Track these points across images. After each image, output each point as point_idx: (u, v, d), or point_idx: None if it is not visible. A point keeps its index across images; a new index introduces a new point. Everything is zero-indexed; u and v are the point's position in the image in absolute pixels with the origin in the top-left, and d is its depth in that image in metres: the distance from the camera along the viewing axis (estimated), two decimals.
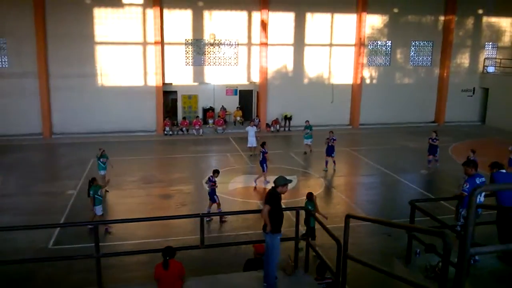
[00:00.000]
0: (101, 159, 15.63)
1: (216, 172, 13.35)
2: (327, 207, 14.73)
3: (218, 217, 13.12)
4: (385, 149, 22.59)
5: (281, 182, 6.71)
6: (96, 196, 12.18)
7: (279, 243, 6.77)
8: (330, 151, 18.37)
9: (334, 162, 18.50)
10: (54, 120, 24.61)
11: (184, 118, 26.53)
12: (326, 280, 7.74)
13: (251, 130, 20.63)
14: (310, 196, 11.23)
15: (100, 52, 24.59)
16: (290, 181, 6.94)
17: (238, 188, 16.49)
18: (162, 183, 16.84)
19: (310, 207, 10.91)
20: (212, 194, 13.18)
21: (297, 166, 19.15)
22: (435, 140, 18.48)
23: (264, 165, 16.59)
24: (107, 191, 15.25)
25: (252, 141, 20.58)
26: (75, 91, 24.49)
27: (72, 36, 23.94)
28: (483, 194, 8.05)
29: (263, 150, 16.70)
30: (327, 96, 27.80)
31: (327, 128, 26.52)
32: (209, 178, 13.33)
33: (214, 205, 13.24)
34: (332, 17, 27.12)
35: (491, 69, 30.19)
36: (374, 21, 27.76)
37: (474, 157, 15.65)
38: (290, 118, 27.00)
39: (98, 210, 12.27)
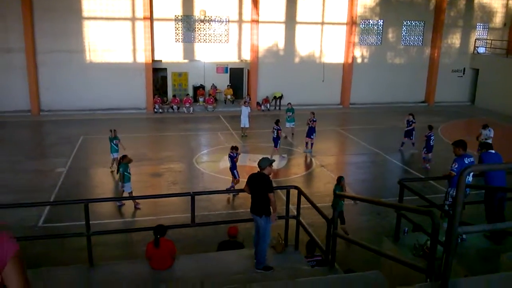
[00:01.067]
0: (114, 141, 15.14)
1: (234, 148, 13.58)
2: (317, 186, 14.84)
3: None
4: (375, 129, 22.70)
5: (266, 163, 6.92)
6: (125, 173, 12.29)
7: (271, 224, 6.92)
8: (310, 132, 18.00)
9: (312, 144, 18.10)
10: (42, 97, 24.28)
11: (174, 96, 26.31)
12: (316, 258, 7.86)
13: (244, 110, 20.11)
14: (339, 179, 11.11)
15: (88, 28, 24.16)
16: (273, 160, 7.05)
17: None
18: (152, 161, 16.80)
19: (337, 191, 10.89)
20: (233, 169, 13.44)
21: (288, 145, 19.18)
22: (411, 123, 18.21)
23: (278, 141, 16.90)
24: (113, 171, 15.07)
25: (245, 122, 20.16)
26: (63, 67, 24.13)
27: (59, 11, 23.44)
28: (471, 174, 8.17)
29: (278, 127, 16.86)
30: (318, 75, 27.71)
31: (317, 107, 26.59)
32: (229, 154, 13.56)
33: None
34: None
35: (481, 50, 30.26)
36: (366, 0, 27.53)
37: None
38: (280, 98, 26.89)
39: (127, 187, 12.38)
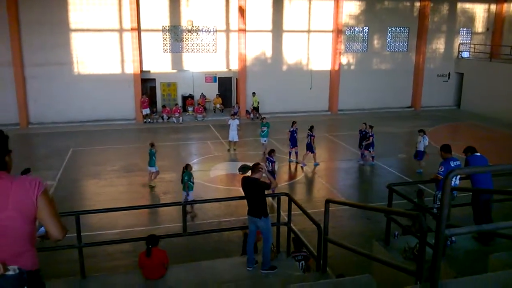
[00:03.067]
0: (155, 155, 15.00)
1: (273, 151, 14.25)
2: (308, 192, 14.94)
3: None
4: None
5: (245, 170, 7.28)
6: (189, 182, 12.53)
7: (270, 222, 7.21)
8: (293, 142, 17.40)
9: (296, 153, 17.55)
10: (31, 109, 24.17)
11: (164, 106, 26.30)
12: (302, 253, 7.95)
13: (233, 124, 18.65)
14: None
15: (76, 40, 24.14)
16: (250, 166, 7.32)
17: (220, 175, 16.57)
18: (143, 172, 16.74)
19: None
20: (273, 173, 13.88)
21: (278, 153, 19.24)
22: (363, 132, 17.77)
23: (312, 147, 17.04)
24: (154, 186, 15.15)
25: (233, 135, 18.77)
26: (52, 79, 24.06)
27: (46, 23, 23.41)
28: (458, 177, 8.32)
29: (311, 133, 16.99)
30: (306, 83, 27.92)
31: (306, 114, 26.77)
32: (268, 158, 14.08)
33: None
34: (310, 3, 27.13)
35: (465, 54, 30.73)
36: (351, 8, 27.88)
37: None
38: (257, 108, 26.54)
39: (191, 196, 12.63)
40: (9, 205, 2.71)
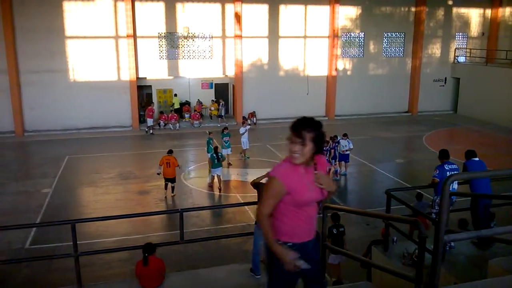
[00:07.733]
0: (211, 142, 16.81)
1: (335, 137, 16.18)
2: None
3: None
4: (361, 140, 22.85)
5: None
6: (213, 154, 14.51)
7: None
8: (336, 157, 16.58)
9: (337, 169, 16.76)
10: (26, 117, 24.05)
11: (161, 112, 26.19)
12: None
13: (244, 130, 18.61)
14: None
15: (71, 47, 24.09)
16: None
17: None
18: (139, 179, 16.70)
19: None
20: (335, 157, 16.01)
21: (275, 158, 19.22)
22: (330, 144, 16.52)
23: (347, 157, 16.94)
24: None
25: (245, 143, 18.67)
26: (47, 87, 23.98)
27: (41, 31, 23.36)
28: (456, 182, 8.30)
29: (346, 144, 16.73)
30: (302, 88, 27.93)
31: None
32: (331, 145, 15.75)
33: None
34: (306, 9, 27.19)
35: (461, 59, 30.82)
36: (347, 13, 27.95)
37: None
38: (178, 110, 26.57)
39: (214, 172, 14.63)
40: None
